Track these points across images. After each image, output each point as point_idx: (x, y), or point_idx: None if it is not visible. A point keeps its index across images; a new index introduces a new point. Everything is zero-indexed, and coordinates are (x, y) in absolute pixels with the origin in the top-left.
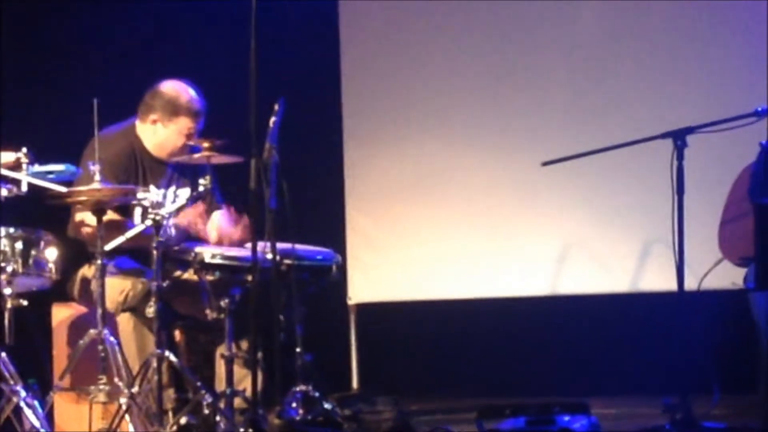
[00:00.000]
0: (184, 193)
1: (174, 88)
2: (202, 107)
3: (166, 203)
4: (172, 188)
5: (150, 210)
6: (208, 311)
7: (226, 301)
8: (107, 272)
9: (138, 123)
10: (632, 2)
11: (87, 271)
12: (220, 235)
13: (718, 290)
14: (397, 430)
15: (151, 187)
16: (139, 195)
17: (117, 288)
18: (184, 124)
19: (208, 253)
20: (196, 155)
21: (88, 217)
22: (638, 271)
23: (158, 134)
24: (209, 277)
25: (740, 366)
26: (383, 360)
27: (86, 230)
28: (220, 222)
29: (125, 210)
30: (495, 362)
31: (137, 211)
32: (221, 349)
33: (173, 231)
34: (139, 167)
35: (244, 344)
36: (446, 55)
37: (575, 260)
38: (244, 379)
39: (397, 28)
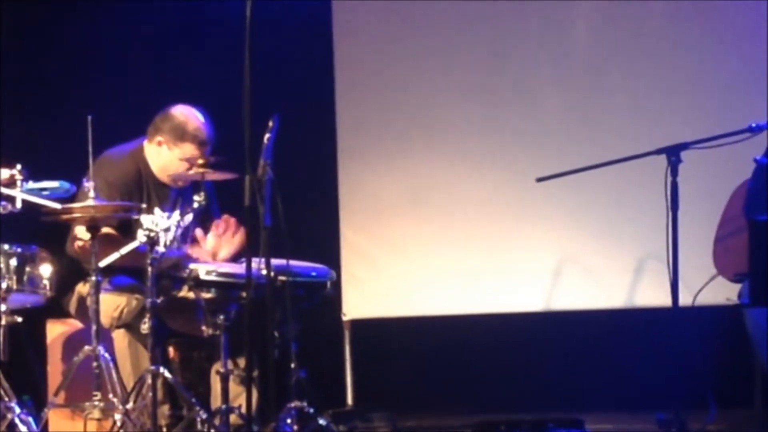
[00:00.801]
0: (188, 218)
1: (184, 114)
2: (209, 137)
3: (170, 226)
4: (176, 212)
5: (150, 230)
6: (204, 328)
7: (222, 317)
8: (103, 289)
9: (146, 143)
10: (628, 16)
11: (83, 288)
12: (213, 255)
13: (712, 306)
14: None
15: (156, 210)
16: (143, 219)
17: (112, 304)
18: (189, 150)
19: (202, 270)
20: (191, 171)
21: (81, 232)
22: (633, 286)
23: (162, 156)
24: (204, 294)
25: (735, 381)
26: (378, 376)
27: (78, 244)
28: (212, 245)
29: (126, 229)
30: (490, 378)
31: (140, 234)
32: (216, 366)
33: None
34: (144, 189)
35: (241, 362)
36: (440, 70)
37: (570, 276)
38: (239, 396)
39: (391, 45)
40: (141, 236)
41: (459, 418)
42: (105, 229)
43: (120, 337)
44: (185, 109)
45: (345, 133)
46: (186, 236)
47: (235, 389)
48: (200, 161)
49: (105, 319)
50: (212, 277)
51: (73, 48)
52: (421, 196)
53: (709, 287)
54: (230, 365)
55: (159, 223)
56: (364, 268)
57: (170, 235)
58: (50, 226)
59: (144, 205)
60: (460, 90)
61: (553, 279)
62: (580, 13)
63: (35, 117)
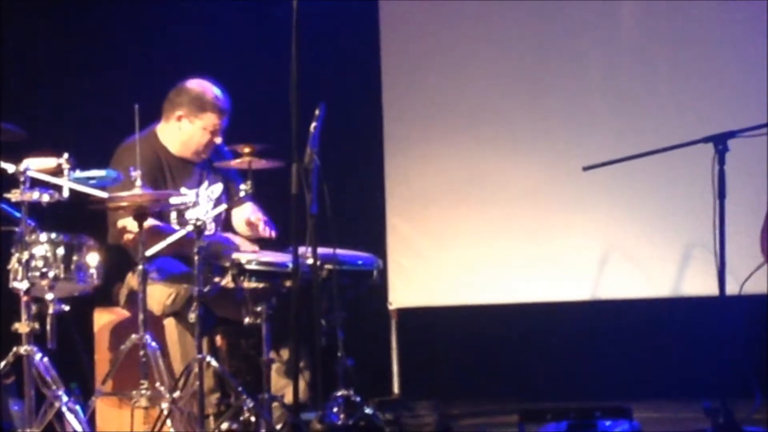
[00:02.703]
0: (217, 189)
1: (200, 84)
2: (227, 105)
3: (200, 202)
4: (204, 186)
5: (186, 211)
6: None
7: (263, 306)
8: (154, 278)
9: (161, 124)
10: (673, 5)
11: (132, 279)
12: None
13: (759, 294)
14: None
15: (182, 189)
16: (173, 200)
17: (164, 293)
18: (210, 120)
19: (244, 259)
20: (237, 160)
21: (130, 224)
22: (679, 275)
23: (183, 131)
24: (247, 283)
25: None
26: (424, 364)
27: (128, 237)
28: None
29: (160, 215)
30: (536, 366)
31: (173, 216)
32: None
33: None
34: (166, 172)
35: (285, 353)
36: (487, 59)
37: (616, 264)
38: (286, 386)
39: (437, 33)
40: (174, 219)
41: (505, 407)
42: (149, 221)
43: (171, 325)
44: (199, 81)
45: (391, 121)
46: (218, 221)
47: (281, 380)
48: (246, 149)
49: (157, 306)
50: (254, 266)
51: (120, 34)
52: (468, 184)
53: (756, 276)
54: (273, 355)
55: (188, 201)
56: (411, 256)
57: (205, 216)
58: (97, 215)
59: (179, 192)
60: (506, 79)
61: (600, 268)
62: (627, 1)
63: (82, 105)
